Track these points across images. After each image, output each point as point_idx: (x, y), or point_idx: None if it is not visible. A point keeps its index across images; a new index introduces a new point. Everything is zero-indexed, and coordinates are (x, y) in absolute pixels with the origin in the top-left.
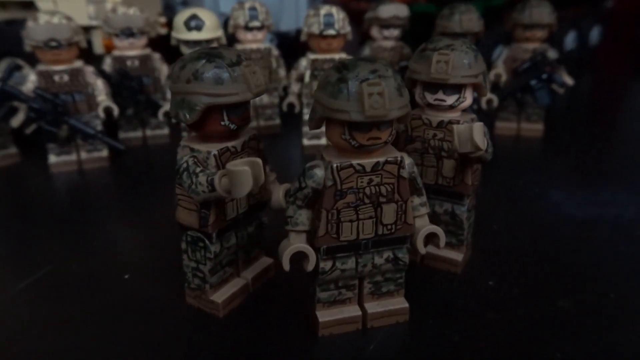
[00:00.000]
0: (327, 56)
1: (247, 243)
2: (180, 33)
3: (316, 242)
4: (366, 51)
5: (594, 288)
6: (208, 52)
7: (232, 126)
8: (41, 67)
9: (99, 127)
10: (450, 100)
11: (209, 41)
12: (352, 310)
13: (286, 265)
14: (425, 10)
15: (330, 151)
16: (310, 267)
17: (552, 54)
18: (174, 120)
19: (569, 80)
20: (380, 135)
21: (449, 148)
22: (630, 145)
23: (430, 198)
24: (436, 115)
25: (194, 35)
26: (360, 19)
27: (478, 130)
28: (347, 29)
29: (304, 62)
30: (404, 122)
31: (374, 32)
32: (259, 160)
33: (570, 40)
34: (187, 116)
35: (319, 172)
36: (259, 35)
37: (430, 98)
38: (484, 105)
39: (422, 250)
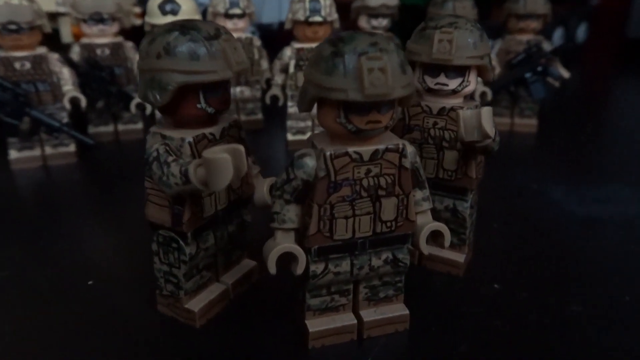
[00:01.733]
0: (313, 45)
1: (227, 244)
2: (154, 18)
3: (306, 241)
4: None
5: (606, 290)
6: (182, 23)
7: (210, 110)
8: (0, 54)
9: (65, 120)
10: (453, 84)
11: None
12: (346, 319)
13: (272, 268)
14: (414, 2)
15: (322, 138)
16: (299, 270)
17: (547, 45)
18: (147, 112)
19: (564, 73)
20: (381, 118)
21: (450, 138)
22: (623, 140)
23: (430, 193)
24: (437, 102)
25: (169, 20)
26: (347, 9)
27: (487, 116)
28: (334, 16)
29: (288, 52)
30: (407, 104)
31: (362, 21)
32: (241, 147)
33: (557, 36)
34: (158, 97)
35: (310, 162)
36: (240, 23)
37: (430, 82)
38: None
39: (425, 250)
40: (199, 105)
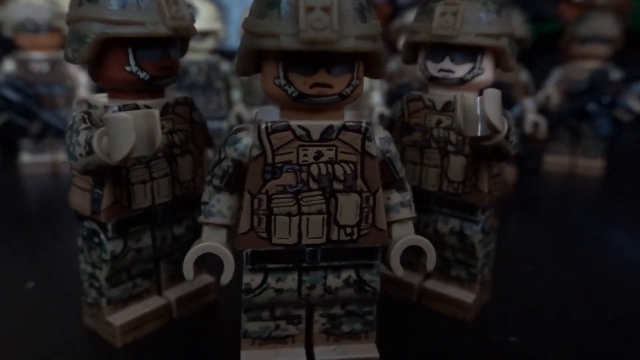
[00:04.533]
0: None
1: (173, 250)
2: None
3: (237, 242)
4: (393, 66)
5: None
6: None
7: (143, 75)
8: (18, 54)
9: None
10: (461, 71)
11: (204, 33)
12: (293, 355)
13: (187, 273)
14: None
15: (269, 111)
16: (224, 278)
17: (617, 74)
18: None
19: (637, 106)
20: (332, 81)
21: (457, 140)
22: None
23: (432, 211)
24: (441, 95)
25: None
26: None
27: (491, 100)
28: None
29: None
30: (377, 72)
31: (402, 43)
32: (155, 112)
33: None
34: (76, 53)
35: (246, 139)
36: None
37: (433, 69)
38: (528, 128)
39: (399, 271)
40: (127, 68)
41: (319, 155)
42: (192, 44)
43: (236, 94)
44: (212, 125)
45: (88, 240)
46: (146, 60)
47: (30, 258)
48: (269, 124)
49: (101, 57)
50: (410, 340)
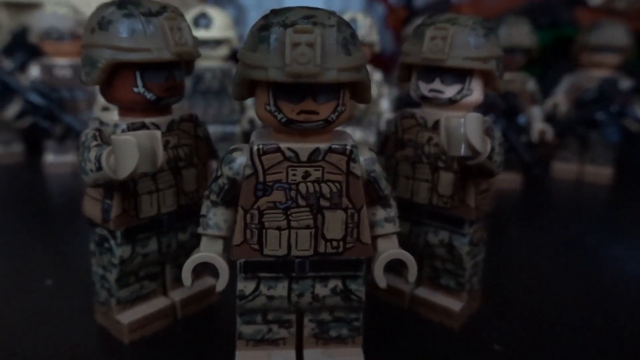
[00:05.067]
0: None
1: (177, 255)
2: None
3: (231, 252)
4: None
5: None
6: None
7: (150, 96)
8: (43, 60)
9: None
10: (450, 91)
11: (218, 41)
12: (284, 356)
13: (186, 280)
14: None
15: (262, 133)
16: (219, 286)
17: (626, 83)
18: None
19: None
20: (318, 108)
21: (447, 157)
22: None
23: (423, 223)
24: (433, 113)
25: (201, 33)
26: None
27: (472, 124)
28: (374, 37)
29: None
30: (362, 97)
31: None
32: (156, 133)
33: None
34: (89, 76)
35: (240, 158)
36: None
37: (424, 88)
38: (535, 137)
39: (382, 283)
40: (135, 89)
41: (306, 175)
42: (207, 51)
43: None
44: (225, 129)
45: (99, 245)
46: (152, 82)
47: (50, 255)
48: (261, 146)
49: (111, 79)
50: (397, 345)
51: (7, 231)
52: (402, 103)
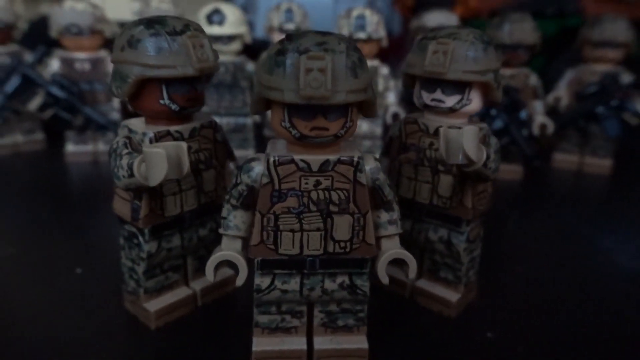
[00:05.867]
0: None
1: (198, 248)
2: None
3: (249, 251)
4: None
5: None
6: (151, 18)
7: (174, 107)
8: (63, 54)
9: (116, 118)
10: (450, 101)
11: (230, 37)
12: (296, 342)
13: (210, 276)
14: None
15: (277, 144)
16: (239, 281)
17: (627, 77)
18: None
19: None
20: (328, 125)
21: None
22: None
23: (424, 221)
24: (434, 120)
25: (215, 30)
26: None
27: (469, 137)
28: (381, 33)
29: None
30: (369, 113)
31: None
32: (182, 144)
33: None
34: (119, 89)
35: (257, 167)
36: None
37: (426, 98)
38: (536, 130)
39: (384, 279)
40: (161, 101)
41: (317, 183)
42: (220, 46)
43: None
44: (237, 120)
45: (128, 240)
46: (176, 94)
47: (78, 245)
48: (277, 158)
49: (139, 92)
50: (399, 332)
51: (35, 220)
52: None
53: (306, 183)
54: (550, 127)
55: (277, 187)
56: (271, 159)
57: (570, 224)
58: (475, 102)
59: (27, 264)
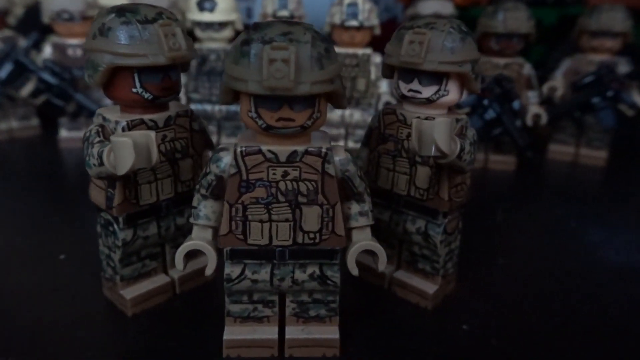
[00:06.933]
0: (350, 50)
1: (176, 236)
2: (192, 13)
3: (218, 241)
4: None
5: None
6: (124, 6)
7: (147, 95)
8: (55, 40)
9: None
10: (427, 92)
11: (222, 24)
12: (267, 332)
13: (179, 264)
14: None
15: (247, 134)
16: (208, 270)
17: (623, 67)
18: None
19: None
20: (294, 116)
21: None
22: None
23: (402, 212)
24: (412, 111)
25: (206, 17)
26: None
27: (440, 128)
28: (374, 21)
29: None
30: (338, 104)
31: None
32: (150, 133)
33: None
34: (91, 78)
35: (226, 158)
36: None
37: (404, 88)
38: (529, 121)
39: (354, 270)
40: (134, 90)
41: (285, 174)
42: (211, 33)
43: None
44: (229, 107)
45: (104, 227)
46: (149, 83)
47: (64, 231)
48: (243, 148)
49: (112, 80)
50: (374, 321)
51: (25, 205)
52: None
53: (274, 174)
54: (544, 118)
55: (244, 177)
56: (238, 150)
57: (559, 216)
58: (453, 93)
59: (13, 249)
